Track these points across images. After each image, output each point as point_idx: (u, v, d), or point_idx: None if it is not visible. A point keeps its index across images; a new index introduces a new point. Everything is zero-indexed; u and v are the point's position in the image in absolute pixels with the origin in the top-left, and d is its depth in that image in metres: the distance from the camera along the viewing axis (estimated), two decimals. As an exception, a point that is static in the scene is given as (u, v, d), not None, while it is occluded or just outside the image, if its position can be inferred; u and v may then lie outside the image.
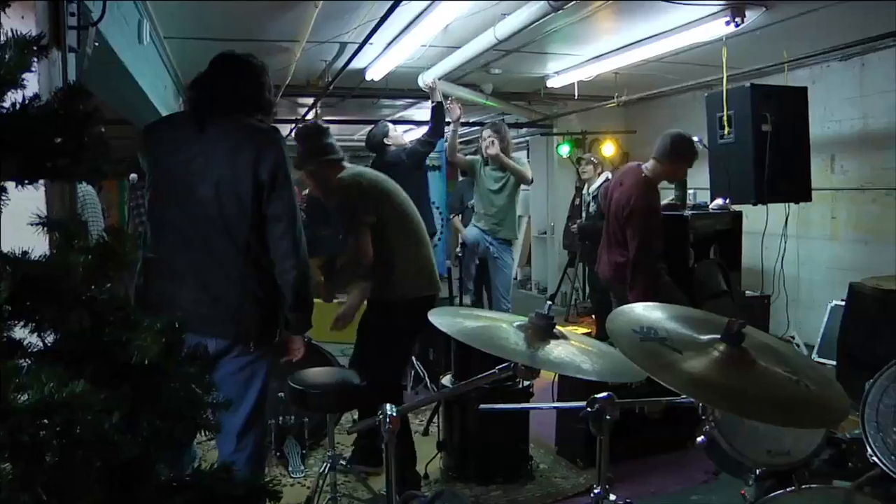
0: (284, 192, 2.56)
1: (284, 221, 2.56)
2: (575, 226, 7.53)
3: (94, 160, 1.24)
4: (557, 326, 1.88)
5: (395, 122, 9.57)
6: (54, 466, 1.01)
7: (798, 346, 6.14)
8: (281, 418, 4.05)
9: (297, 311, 2.68)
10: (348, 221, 3.38)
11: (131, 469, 1.17)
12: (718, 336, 1.65)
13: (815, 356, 5.75)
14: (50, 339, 1.29)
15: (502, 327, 1.83)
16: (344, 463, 3.29)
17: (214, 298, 2.53)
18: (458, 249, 5.91)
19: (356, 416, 3.75)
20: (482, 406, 2.42)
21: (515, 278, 11.01)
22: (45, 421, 1.04)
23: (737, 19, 4.62)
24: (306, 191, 10.25)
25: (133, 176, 6.31)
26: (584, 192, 7.44)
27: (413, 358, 5.05)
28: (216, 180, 2.52)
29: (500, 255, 5.99)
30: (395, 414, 1.66)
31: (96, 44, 3.03)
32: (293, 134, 10.85)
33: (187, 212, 2.55)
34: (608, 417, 1.73)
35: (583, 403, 1.78)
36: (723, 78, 4.99)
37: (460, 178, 7.99)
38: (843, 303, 5.12)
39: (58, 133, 1.21)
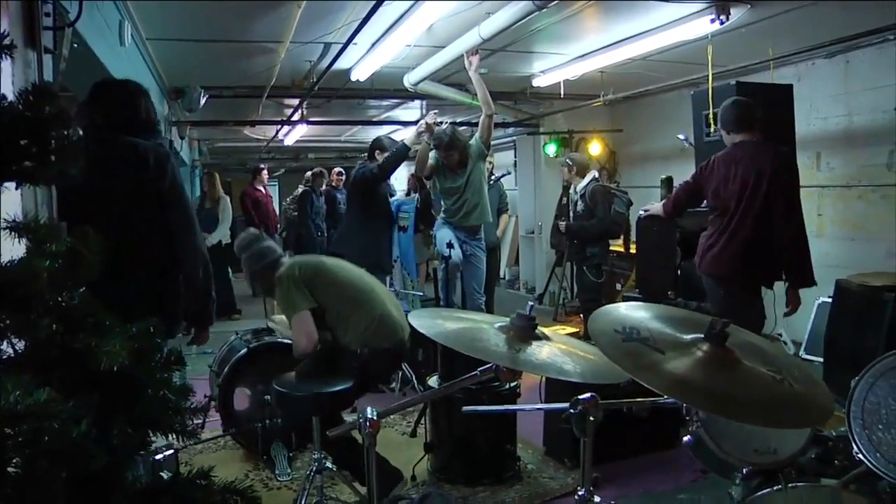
0: (180, 201, 2.86)
1: (184, 227, 2.85)
2: (563, 224, 7.49)
3: (61, 163, 1.21)
4: (542, 327, 1.86)
5: (381, 122, 9.58)
6: (18, 477, 0.98)
7: (786, 343, 6.16)
8: (267, 421, 4.02)
9: (205, 303, 2.96)
10: (288, 311, 3.44)
11: (101, 478, 1.14)
12: (702, 335, 1.63)
13: (802, 353, 5.76)
14: (20, 346, 1.27)
15: (483, 328, 1.81)
16: (331, 466, 3.28)
17: (140, 289, 2.67)
18: (439, 263, 5.67)
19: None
20: (465, 408, 2.39)
21: (503, 278, 11.00)
22: (10, 431, 1.01)
23: (721, 17, 4.62)
24: (298, 191, 10.25)
25: None
26: (571, 191, 7.42)
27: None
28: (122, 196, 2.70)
29: (472, 251, 5.78)
30: (374, 417, 1.64)
31: (75, 45, 3.00)
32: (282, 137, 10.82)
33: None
34: (591, 419, 1.70)
35: (566, 405, 1.75)
36: (708, 76, 4.99)
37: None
38: (830, 300, 5.12)
39: (23, 135, 1.18)
